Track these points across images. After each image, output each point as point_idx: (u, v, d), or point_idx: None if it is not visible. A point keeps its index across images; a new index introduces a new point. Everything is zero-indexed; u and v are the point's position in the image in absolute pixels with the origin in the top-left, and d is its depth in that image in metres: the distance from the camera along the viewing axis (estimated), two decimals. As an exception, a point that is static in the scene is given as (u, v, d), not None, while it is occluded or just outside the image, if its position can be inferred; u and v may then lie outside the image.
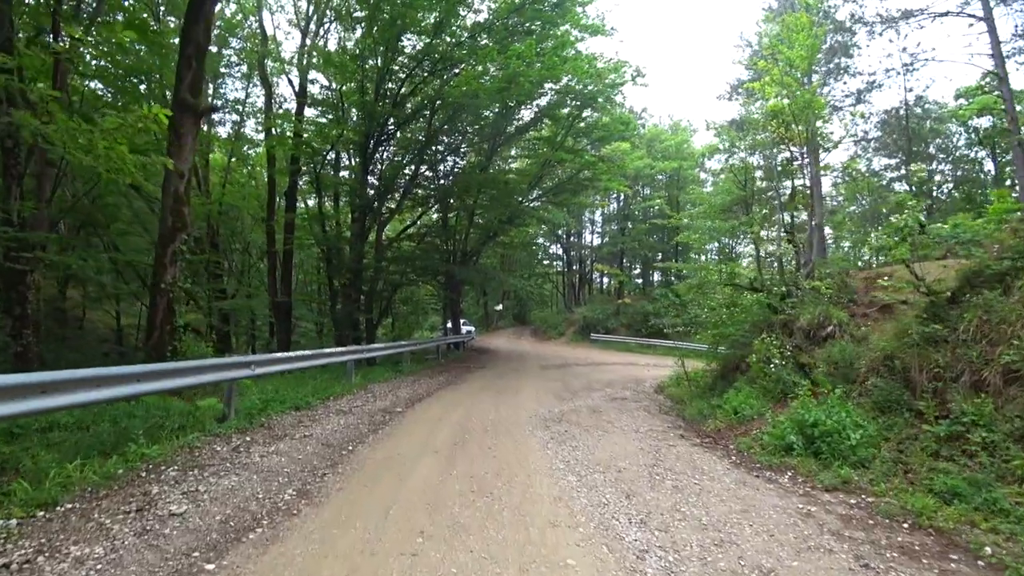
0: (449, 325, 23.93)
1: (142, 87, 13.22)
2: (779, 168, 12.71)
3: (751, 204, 13.11)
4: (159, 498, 3.84)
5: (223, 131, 21.77)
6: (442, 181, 20.35)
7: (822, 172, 13.98)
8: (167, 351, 8.19)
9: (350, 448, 5.66)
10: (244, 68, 18.93)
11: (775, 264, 14.68)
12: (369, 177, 16.07)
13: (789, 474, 5.24)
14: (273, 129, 16.45)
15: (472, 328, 31.29)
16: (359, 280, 15.06)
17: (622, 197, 35.15)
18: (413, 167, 16.11)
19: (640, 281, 38.84)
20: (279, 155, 17.17)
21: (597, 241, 43.38)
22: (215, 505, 3.80)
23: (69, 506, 3.61)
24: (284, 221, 16.50)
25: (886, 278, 8.32)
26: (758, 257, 12.46)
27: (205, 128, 19.91)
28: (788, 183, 13.73)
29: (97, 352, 12.24)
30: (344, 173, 17.71)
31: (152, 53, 11.97)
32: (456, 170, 19.64)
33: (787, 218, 14.74)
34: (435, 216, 21.96)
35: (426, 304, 29.77)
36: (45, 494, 3.61)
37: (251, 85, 19.60)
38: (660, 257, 36.36)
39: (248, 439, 5.63)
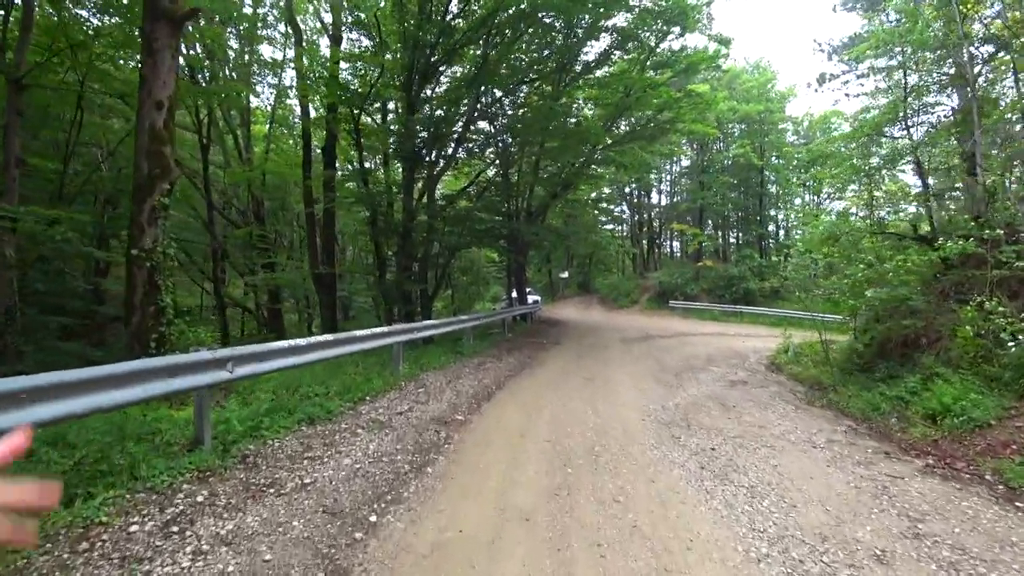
0: (514, 295, 21.43)
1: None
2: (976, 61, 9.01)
3: (908, 121, 9.45)
4: None
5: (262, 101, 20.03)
6: (500, 131, 17.54)
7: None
8: (152, 340, 6.08)
9: (372, 520, 3.17)
10: (282, 27, 16.82)
11: (946, 203, 10.92)
12: (417, 127, 13.52)
13: None
14: (305, 75, 14.15)
15: (538, 297, 28.72)
16: (409, 243, 12.70)
17: (699, 147, 30.93)
18: (468, 105, 13.32)
19: (721, 242, 34.59)
20: (316, 104, 14.97)
21: (665, 201, 39.27)
22: None
23: None
24: (323, 180, 14.34)
25: None
26: (927, 190, 8.91)
27: (249, 102, 18.21)
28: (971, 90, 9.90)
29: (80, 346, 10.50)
30: (389, 122, 15.25)
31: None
32: (518, 114, 16.72)
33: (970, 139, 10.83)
34: (493, 173, 19.20)
35: (487, 273, 27.41)
36: None
37: (287, 45, 17.46)
38: (743, 214, 31.93)
39: (201, 500, 3.26)
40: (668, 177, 39.95)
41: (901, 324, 8.59)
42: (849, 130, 11.15)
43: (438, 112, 13.57)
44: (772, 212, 32.85)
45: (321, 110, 14.95)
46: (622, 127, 18.87)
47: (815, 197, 33.08)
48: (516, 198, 19.05)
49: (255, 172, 16.82)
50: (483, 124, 17.43)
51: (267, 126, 19.45)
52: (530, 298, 27.01)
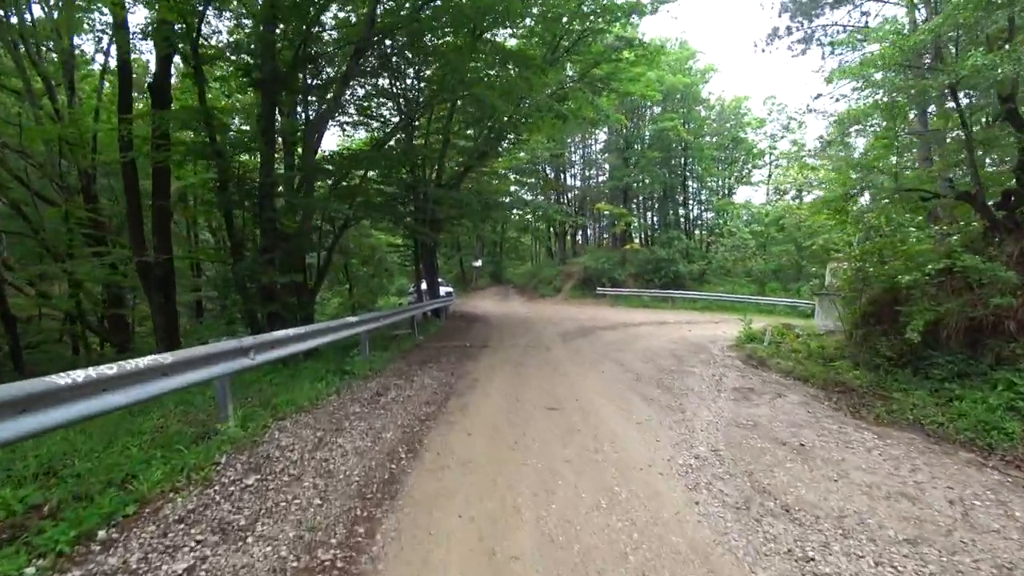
0: (424, 286, 17.81)
1: None
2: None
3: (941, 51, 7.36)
4: None
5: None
6: (407, 88, 13.76)
7: None
8: None
9: None
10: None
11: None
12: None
13: None
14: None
15: (451, 289, 25.18)
16: (269, 208, 8.65)
17: (625, 120, 28.88)
18: (365, 15, 9.34)
19: (649, 223, 32.96)
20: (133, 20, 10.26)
21: (579, 182, 37.22)
22: None
23: None
24: (152, 125, 9.78)
25: None
26: (969, 139, 6.76)
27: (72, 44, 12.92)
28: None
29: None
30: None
31: None
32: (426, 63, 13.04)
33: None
34: (395, 140, 15.28)
35: (392, 263, 23.37)
36: None
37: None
38: (667, 194, 30.51)
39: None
40: (581, 157, 37.97)
41: (962, 304, 6.34)
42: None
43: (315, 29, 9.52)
44: (694, 192, 31.80)
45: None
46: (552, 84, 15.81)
47: (730, 179, 32.62)
48: (423, 167, 15.41)
49: (67, 129, 11.82)
50: (384, 81, 13.63)
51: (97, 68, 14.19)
52: (442, 290, 23.44)
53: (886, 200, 8.12)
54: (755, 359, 10.13)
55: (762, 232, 24.92)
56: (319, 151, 11.23)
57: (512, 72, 12.03)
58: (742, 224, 26.24)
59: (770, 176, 34.56)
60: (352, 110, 14.50)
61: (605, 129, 29.13)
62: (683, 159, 28.55)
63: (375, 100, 14.54)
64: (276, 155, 10.07)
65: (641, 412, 5.72)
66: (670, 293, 24.63)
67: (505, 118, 13.93)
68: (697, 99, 28.96)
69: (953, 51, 7.32)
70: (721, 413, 5.82)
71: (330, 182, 11.28)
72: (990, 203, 7.30)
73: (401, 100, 14.09)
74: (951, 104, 7.36)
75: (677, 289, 25.07)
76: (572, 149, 35.98)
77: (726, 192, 34.32)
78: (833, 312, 12.70)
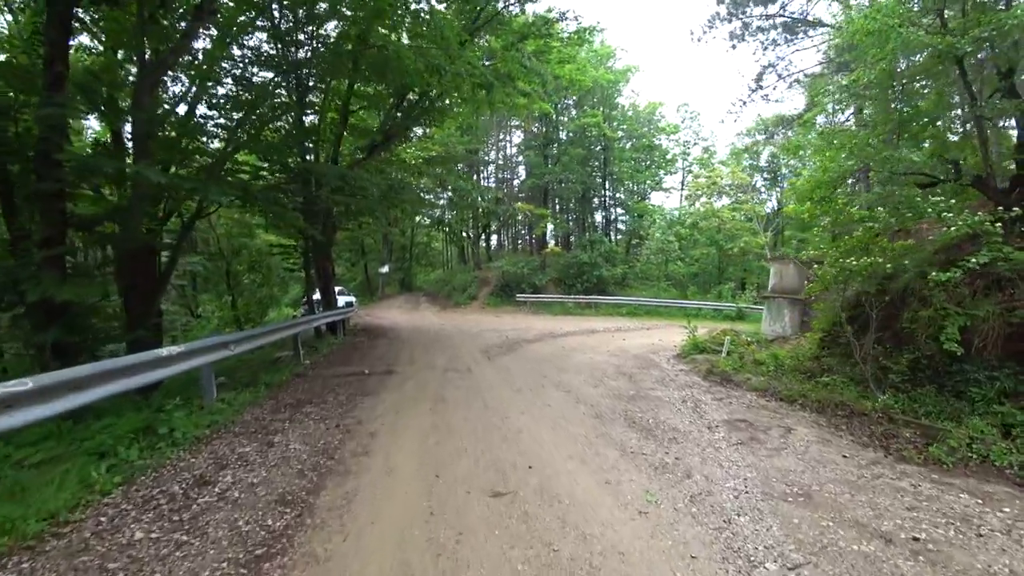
0: (318, 296, 14.83)
1: None
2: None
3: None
4: None
5: None
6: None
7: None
8: None
9: None
10: None
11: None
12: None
13: None
14: None
15: (353, 298, 22.08)
16: (51, 175, 5.58)
17: (545, 118, 27.37)
18: None
19: (571, 225, 31.66)
20: None
21: (493, 183, 35.40)
22: None
23: None
24: None
25: None
26: (976, 109, 5.62)
27: None
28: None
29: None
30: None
31: None
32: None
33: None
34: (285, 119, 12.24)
35: (285, 272, 19.84)
36: None
37: None
38: (589, 195, 29.42)
39: None
40: (498, 157, 36.23)
41: (999, 308, 5.03)
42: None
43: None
44: (612, 194, 30.98)
45: None
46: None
47: (643, 184, 32.32)
48: (316, 148, 12.61)
49: None
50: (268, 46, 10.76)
51: None
52: (342, 299, 20.34)
53: (876, 188, 6.78)
54: (717, 374, 8.65)
55: (686, 235, 24.46)
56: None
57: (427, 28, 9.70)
58: (665, 226, 25.75)
59: (683, 183, 34.94)
60: (229, 81, 11.32)
61: (521, 129, 27.49)
62: (603, 159, 27.54)
63: (255, 66, 11.48)
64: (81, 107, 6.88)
65: (633, 483, 3.69)
66: (594, 299, 23.38)
67: (416, 90, 11.57)
68: (612, 103, 28.17)
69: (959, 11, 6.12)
70: (739, 472, 3.98)
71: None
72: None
73: (293, 77, 11.22)
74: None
75: (600, 294, 23.89)
76: (488, 148, 34.11)
77: (641, 197, 34.16)
78: (783, 316, 11.68)
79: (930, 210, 5.31)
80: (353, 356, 10.04)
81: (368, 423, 5.24)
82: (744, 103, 14.57)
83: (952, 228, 4.95)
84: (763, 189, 28.65)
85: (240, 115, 8.65)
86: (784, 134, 33.00)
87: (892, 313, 6.40)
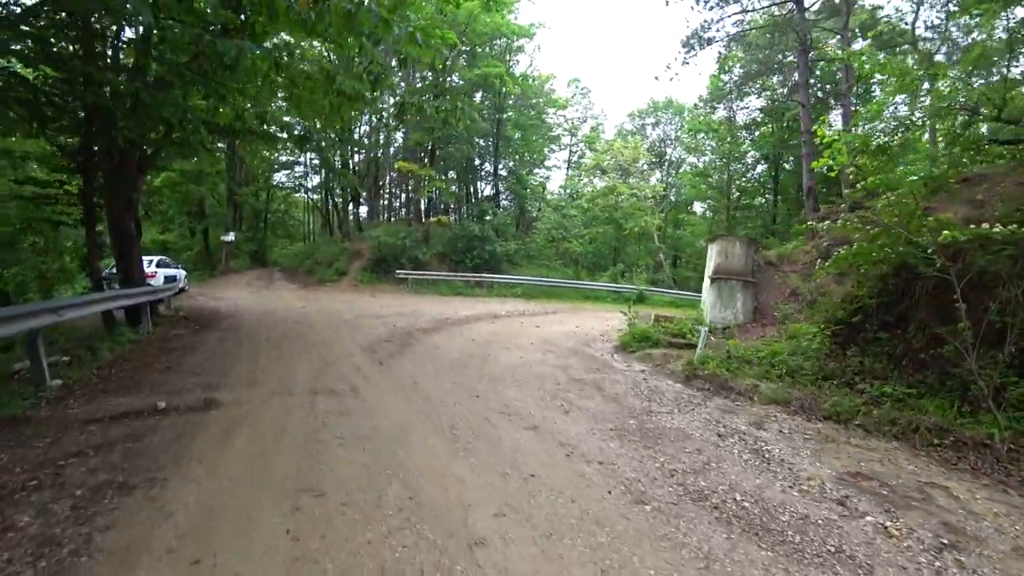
0: (110, 271, 10.10)
1: None
2: None
3: None
4: None
5: None
6: None
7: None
8: None
9: None
10: None
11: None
12: None
13: None
14: None
15: (179, 272, 16.78)
16: None
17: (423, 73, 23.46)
18: None
19: (463, 191, 28.25)
20: None
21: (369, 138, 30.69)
22: None
23: None
24: None
25: None
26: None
27: None
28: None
29: None
30: None
31: None
32: None
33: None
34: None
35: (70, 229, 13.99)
36: None
37: None
38: (480, 161, 26.36)
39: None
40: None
41: None
42: None
43: None
44: (505, 164, 28.32)
45: None
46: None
47: (532, 156, 30.31)
48: (105, 38, 8.04)
49: None
50: None
51: None
52: (163, 272, 15.17)
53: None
54: (703, 378, 6.60)
55: (587, 208, 22.77)
56: None
57: None
58: (564, 201, 23.91)
59: (569, 161, 33.70)
60: None
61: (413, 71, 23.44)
62: (497, 120, 24.61)
63: None
64: None
65: None
66: (485, 277, 20.81)
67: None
68: (511, 57, 25.34)
69: None
70: None
71: None
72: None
73: None
74: None
75: (491, 272, 21.34)
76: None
77: (528, 171, 32.22)
78: (734, 301, 10.07)
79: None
80: (153, 366, 6.18)
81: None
82: (686, 59, 13.01)
83: None
84: (656, 172, 28.29)
85: None
86: (670, 119, 33.31)
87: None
